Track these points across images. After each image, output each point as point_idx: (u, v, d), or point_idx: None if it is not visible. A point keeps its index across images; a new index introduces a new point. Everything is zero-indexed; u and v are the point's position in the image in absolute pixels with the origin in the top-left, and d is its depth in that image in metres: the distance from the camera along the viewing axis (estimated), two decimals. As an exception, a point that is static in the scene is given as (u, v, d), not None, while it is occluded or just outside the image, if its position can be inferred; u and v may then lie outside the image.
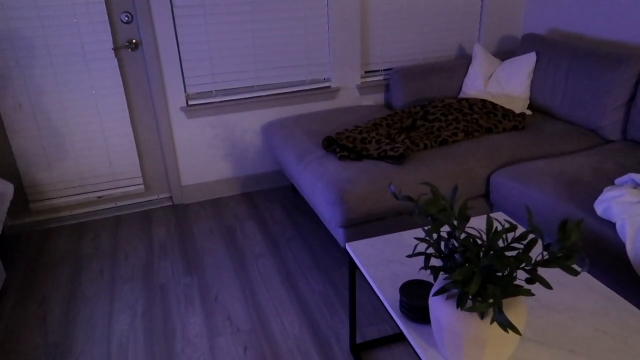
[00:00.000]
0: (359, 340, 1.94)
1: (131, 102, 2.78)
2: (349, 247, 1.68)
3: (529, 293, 1.03)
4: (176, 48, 2.70)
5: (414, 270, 1.55)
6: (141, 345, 1.97)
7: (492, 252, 1.03)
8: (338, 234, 2.18)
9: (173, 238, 2.70)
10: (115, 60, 2.65)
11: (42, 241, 2.72)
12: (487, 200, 2.39)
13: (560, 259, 0.93)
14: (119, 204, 2.97)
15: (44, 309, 2.19)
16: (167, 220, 2.89)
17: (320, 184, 2.15)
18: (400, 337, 1.95)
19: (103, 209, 2.95)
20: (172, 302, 2.20)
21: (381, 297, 1.45)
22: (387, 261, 1.59)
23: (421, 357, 1.24)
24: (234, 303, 2.18)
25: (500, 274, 1.25)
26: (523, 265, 1.06)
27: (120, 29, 2.62)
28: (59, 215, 2.87)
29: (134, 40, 2.66)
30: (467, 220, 1.11)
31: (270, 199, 3.08)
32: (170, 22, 2.64)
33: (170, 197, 3.06)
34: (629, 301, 1.76)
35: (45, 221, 2.85)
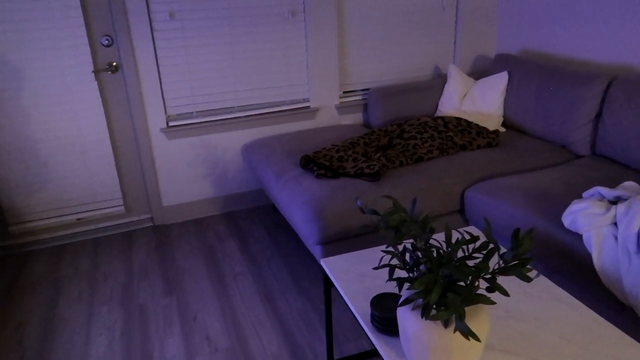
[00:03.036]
0: (336, 357, 1.95)
1: (111, 123, 2.80)
2: (323, 262, 1.70)
3: (489, 301, 1.06)
4: (156, 70, 2.74)
5: (387, 283, 1.57)
6: (118, 366, 1.95)
7: (453, 261, 1.07)
8: (316, 250, 2.20)
9: (153, 259, 2.70)
10: (96, 82, 2.68)
11: (21, 264, 2.70)
12: (463, 216, 2.44)
13: (514, 266, 0.97)
14: (99, 225, 2.97)
15: (21, 333, 2.17)
16: (148, 241, 2.89)
17: (298, 201, 2.18)
18: (377, 353, 1.96)
19: (83, 231, 2.94)
20: (151, 323, 2.19)
21: (353, 311, 1.47)
22: (360, 276, 1.62)
23: (390, 368, 1.26)
24: (212, 322, 2.18)
25: (462, 283, 1.28)
26: (483, 274, 1.09)
27: (101, 52, 2.66)
28: (39, 238, 2.86)
29: (114, 63, 2.70)
30: (432, 232, 1.15)
31: (252, 218, 3.10)
32: (150, 44, 2.68)
33: (151, 217, 3.07)
34: (595, 309, 1.80)
35: (24, 244, 2.84)
